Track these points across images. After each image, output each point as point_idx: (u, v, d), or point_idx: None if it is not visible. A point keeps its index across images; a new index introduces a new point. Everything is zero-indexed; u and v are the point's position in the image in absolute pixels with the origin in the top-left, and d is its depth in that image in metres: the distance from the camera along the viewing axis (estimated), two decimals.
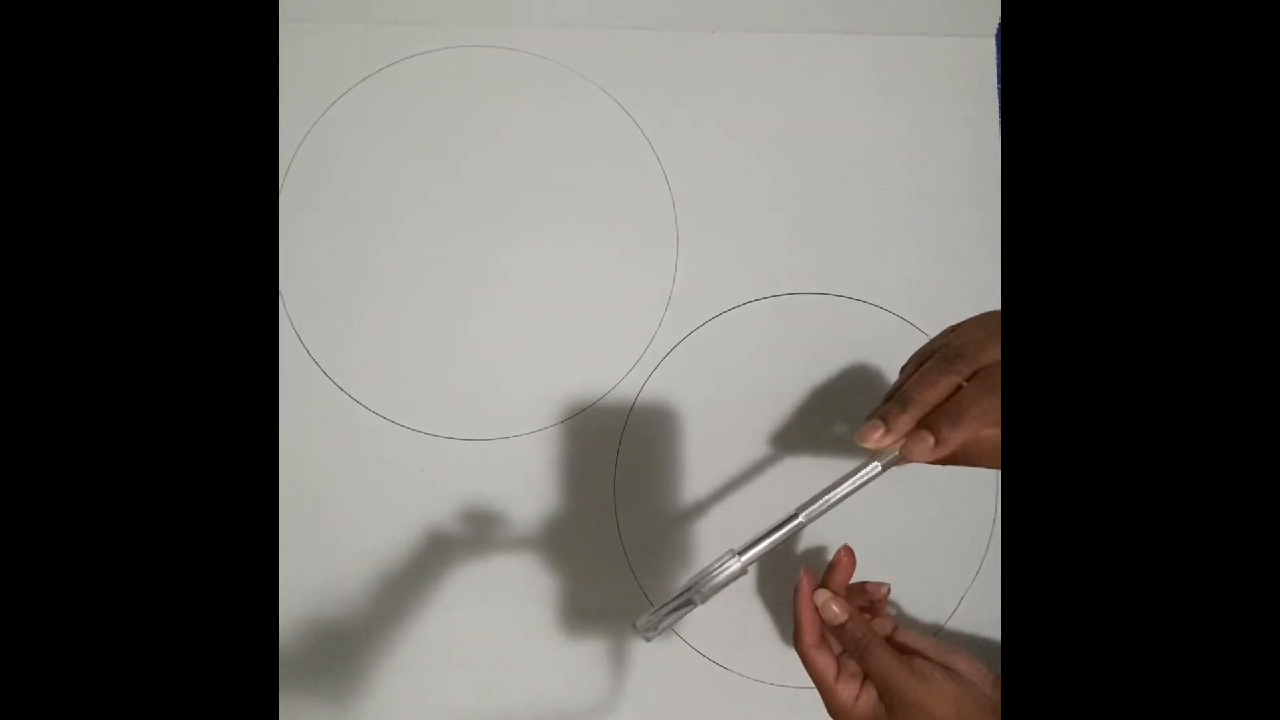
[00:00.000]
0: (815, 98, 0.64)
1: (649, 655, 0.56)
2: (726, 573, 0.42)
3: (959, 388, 0.40)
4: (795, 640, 0.47)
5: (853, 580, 0.50)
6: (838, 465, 0.59)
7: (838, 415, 0.60)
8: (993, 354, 0.39)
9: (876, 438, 0.41)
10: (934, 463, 0.41)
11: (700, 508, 0.58)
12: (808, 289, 0.61)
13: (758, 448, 0.59)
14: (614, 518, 0.57)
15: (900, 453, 0.41)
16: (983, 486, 0.60)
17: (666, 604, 0.43)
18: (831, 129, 0.63)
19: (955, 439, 0.39)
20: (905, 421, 0.40)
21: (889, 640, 0.48)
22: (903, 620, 0.57)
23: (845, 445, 0.59)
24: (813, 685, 0.55)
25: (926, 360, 0.42)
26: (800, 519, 0.44)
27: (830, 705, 0.46)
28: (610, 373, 0.58)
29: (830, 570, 0.49)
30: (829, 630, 0.46)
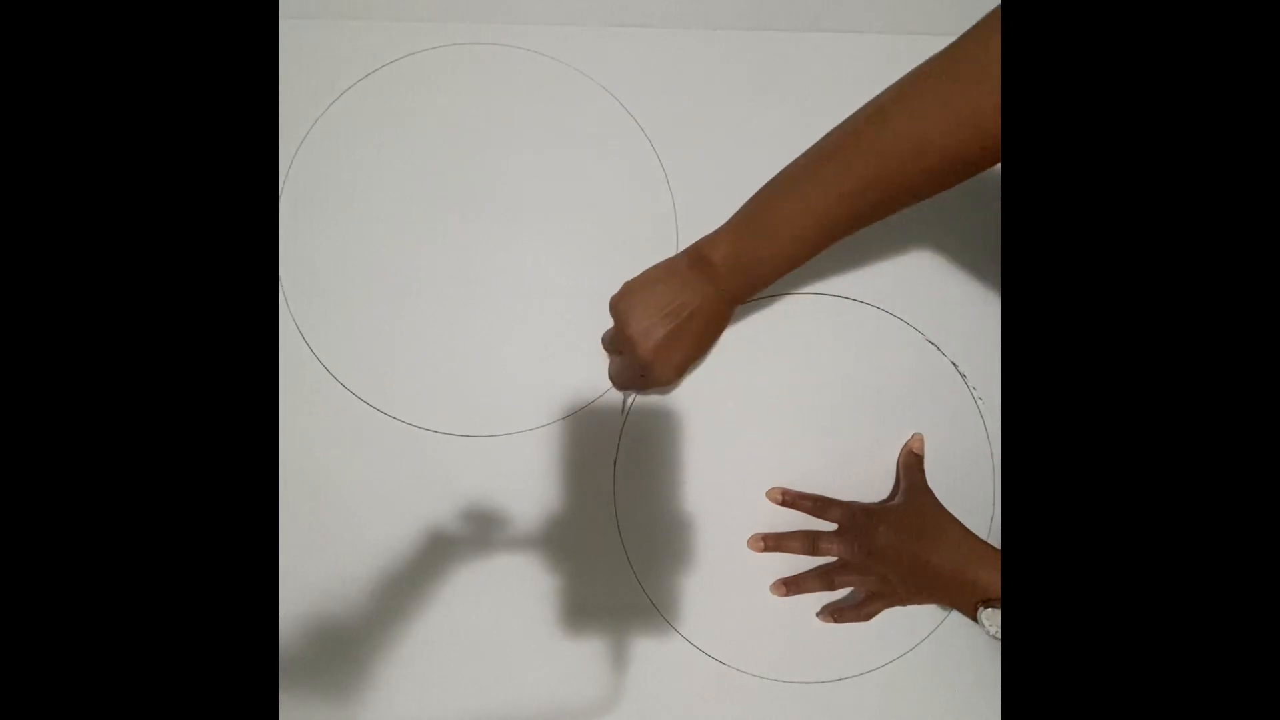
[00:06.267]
0: (815, 97, 0.64)
1: (649, 651, 0.56)
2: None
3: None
4: (829, 615, 0.57)
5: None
6: (837, 463, 0.59)
7: (836, 414, 0.60)
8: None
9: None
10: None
11: (700, 504, 0.58)
12: (806, 289, 0.61)
13: (757, 445, 0.59)
14: (614, 514, 0.57)
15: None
16: (982, 486, 0.60)
17: None
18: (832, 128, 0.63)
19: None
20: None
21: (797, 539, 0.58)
22: (901, 619, 0.57)
23: (844, 444, 0.60)
24: (810, 681, 0.57)
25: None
26: None
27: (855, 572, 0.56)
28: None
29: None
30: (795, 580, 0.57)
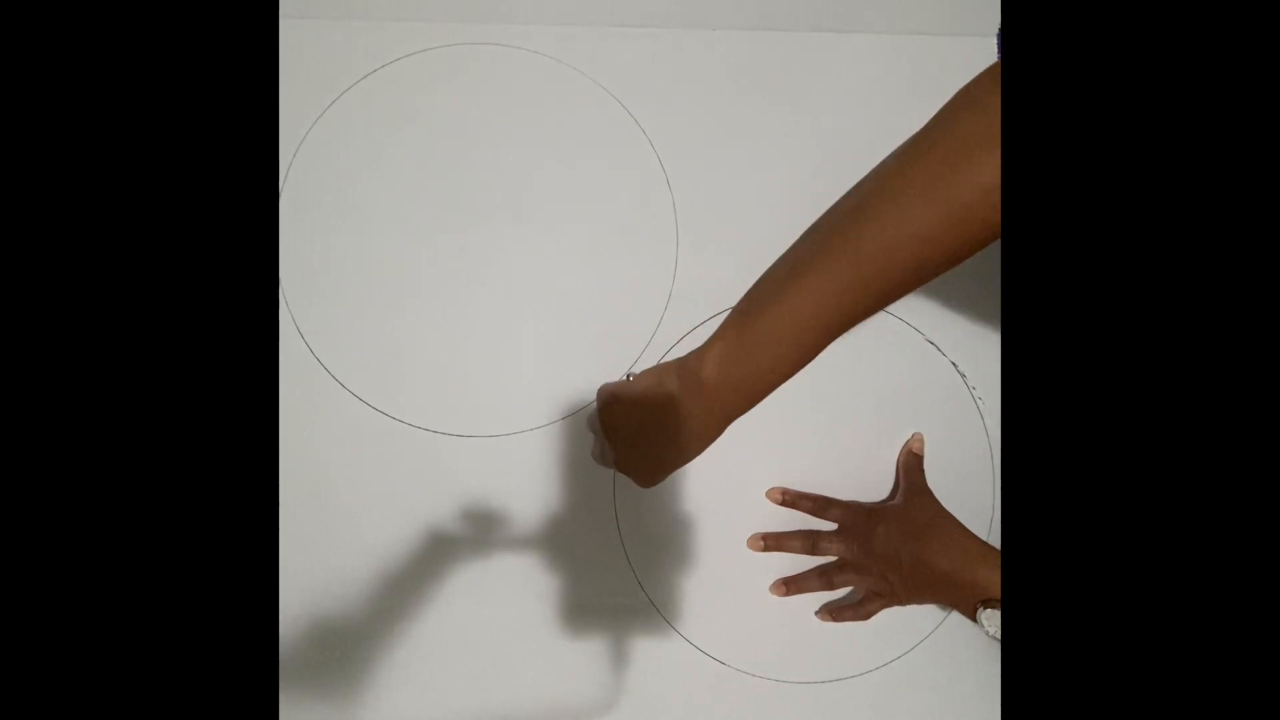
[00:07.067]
0: (816, 97, 0.64)
1: (649, 651, 0.56)
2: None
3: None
4: (827, 614, 0.58)
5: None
6: (837, 463, 0.59)
7: (837, 415, 0.60)
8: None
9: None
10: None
11: (700, 504, 0.58)
12: None
13: (757, 445, 0.59)
14: (614, 514, 0.57)
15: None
16: (982, 486, 0.60)
17: None
18: (832, 128, 0.63)
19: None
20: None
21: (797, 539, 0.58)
22: (901, 619, 0.57)
23: (844, 444, 0.60)
24: (811, 681, 0.57)
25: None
26: None
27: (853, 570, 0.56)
28: (611, 370, 0.58)
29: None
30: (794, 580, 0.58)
